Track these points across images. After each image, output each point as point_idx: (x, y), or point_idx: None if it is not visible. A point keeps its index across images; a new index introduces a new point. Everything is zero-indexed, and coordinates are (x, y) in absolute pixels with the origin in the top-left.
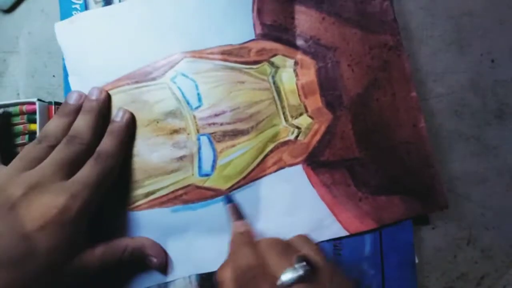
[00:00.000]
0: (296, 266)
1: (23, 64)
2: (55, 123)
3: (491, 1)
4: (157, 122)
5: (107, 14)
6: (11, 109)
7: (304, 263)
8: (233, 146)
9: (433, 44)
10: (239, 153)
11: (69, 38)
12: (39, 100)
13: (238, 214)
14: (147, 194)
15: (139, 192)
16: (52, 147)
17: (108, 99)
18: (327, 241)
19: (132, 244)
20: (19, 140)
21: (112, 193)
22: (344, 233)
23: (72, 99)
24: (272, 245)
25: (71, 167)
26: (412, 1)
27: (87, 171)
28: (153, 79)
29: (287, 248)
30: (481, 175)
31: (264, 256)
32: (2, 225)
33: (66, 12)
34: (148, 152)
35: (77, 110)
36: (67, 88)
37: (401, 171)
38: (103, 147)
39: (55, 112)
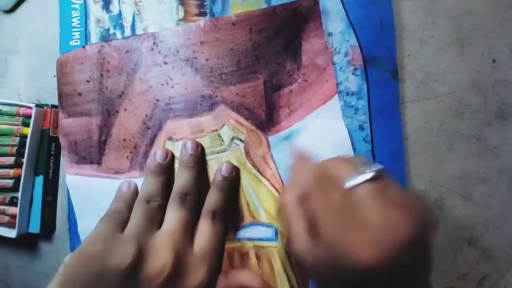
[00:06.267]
0: (363, 168)
1: (24, 64)
2: (153, 182)
3: (492, 1)
4: None
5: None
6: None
7: (371, 166)
8: None
9: (434, 44)
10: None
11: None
12: (37, 105)
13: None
14: None
15: None
16: (161, 206)
17: (203, 151)
18: None
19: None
20: (10, 141)
21: None
22: None
23: (159, 158)
24: (334, 158)
25: (191, 228)
26: (412, 1)
27: (209, 236)
28: None
29: (348, 160)
30: (481, 175)
31: (328, 168)
32: None
33: (66, 12)
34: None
35: (168, 167)
36: None
37: None
38: (217, 206)
39: (51, 116)
